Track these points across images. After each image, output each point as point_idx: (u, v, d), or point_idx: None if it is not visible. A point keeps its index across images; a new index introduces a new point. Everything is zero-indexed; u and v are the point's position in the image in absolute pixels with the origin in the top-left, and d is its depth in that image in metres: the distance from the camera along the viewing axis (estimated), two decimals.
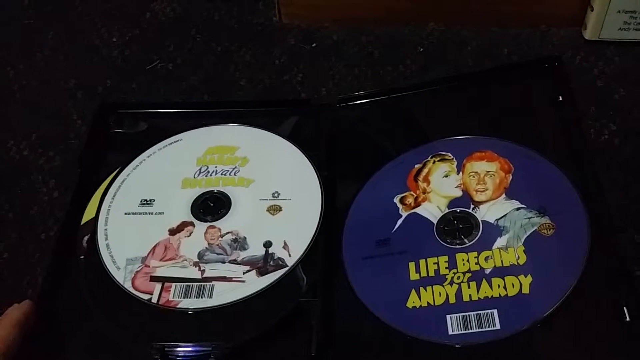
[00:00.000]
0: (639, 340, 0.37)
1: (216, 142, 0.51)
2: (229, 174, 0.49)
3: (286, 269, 0.44)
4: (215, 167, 0.50)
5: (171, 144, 0.51)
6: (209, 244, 0.46)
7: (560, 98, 0.48)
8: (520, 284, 0.40)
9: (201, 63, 0.60)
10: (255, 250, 0.45)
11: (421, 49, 0.58)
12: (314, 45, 0.60)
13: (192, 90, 0.58)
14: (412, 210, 0.46)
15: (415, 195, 0.47)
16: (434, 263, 0.43)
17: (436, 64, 0.57)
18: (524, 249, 0.42)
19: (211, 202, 0.48)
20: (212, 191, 0.48)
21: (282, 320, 0.42)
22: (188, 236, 0.46)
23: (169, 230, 0.46)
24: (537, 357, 0.38)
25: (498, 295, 0.40)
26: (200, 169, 0.50)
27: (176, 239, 0.46)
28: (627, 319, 0.37)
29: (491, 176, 0.46)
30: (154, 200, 0.48)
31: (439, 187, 0.47)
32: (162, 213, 0.47)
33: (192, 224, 0.47)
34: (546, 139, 0.47)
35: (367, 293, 0.43)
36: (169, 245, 0.46)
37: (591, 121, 0.51)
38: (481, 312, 0.40)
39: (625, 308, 0.38)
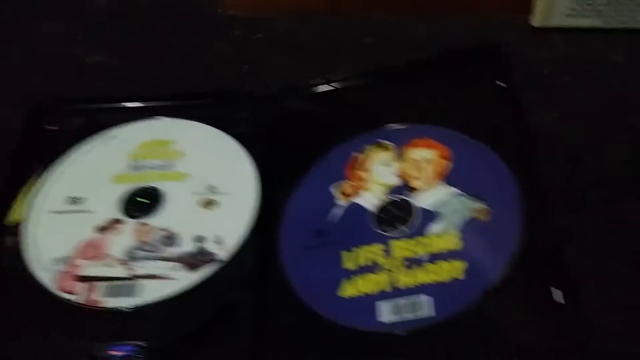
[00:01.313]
0: (572, 323, 0.36)
1: (151, 136, 0.50)
2: (163, 169, 0.48)
3: (218, 264, 0.42)
4: (149, 162, 0.48)
5: (103, 139, 0.50)
6: (138, 241, 0.44)
7: (501, 84, 0.48)
8: (455, 270, 0.39)
9: (141, 56, 0.58)
10: (187, 246, 0.43)
11: (367, 40, 0.57)
12: (259, 36, 0.59)
13: (130, 84, 0.56)
14: (350, 200, 0.45)
15: (353, 185, 0.46)
16: (370, 252, 0.42)
17: (381, 55, 0.56)
18: (459, 234, 0.41)
19: (143, 198, 0.46)
20: (144, 187, 0.47)
21: (214, 316, 0.40)
22: (117, 234, 0.45)
23: (98, 228, 0.45)
24: (471, 342, 0.37)
25: (432, 282, 0.39)
26: (132, 165, 0.48)
27: (105, 237, 0.44)
28: (561, 302, 0.37)
29: (429, 163, 0.45)
30: (83, 197, 0.46)
31: (377, 175, 0.46)
32: (91, 211, 0.46)
33: (122, 221, 0.45)
34: (486, 125, 0.46)
35: (303, 285, 0.42)
36: (97, 244, 0.44)
37: (536, 108, 0.50)
38: (415, 298, 0.39)
39: (558, 291, 0.37)
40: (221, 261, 0.42)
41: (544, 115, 0.50)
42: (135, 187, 0.47)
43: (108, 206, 0.46)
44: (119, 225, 0.45)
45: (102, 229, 0.45)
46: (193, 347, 0.40)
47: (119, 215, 0.45)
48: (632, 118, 0.48)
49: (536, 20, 0.55)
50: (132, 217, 0.45)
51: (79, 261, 0.43)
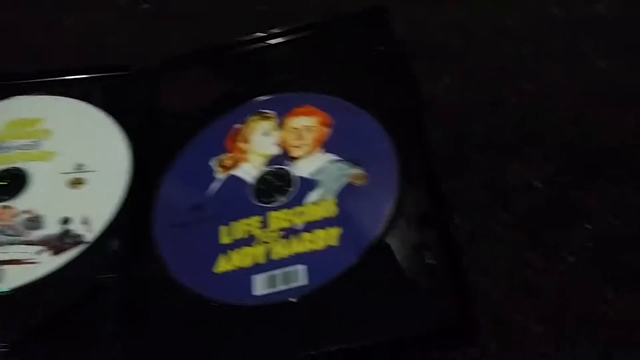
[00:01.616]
0: (447, 288, 0.36)
1: (17, 115, 0.47)
2: (29, 149, 0.45)
3: (84, 245, 0.40)
4: (14, 142, 0.45)
5: None
6: (0, 225, 0.41)
7: (382, 48, 0.47)
8: (330, 237, 0.38)
9: (19, 30, 0.55)
10: (52, 228, 0.41)
11: (260, 7, 0.55)
12: (145, 6, 0.56)
13: (3, 59, 0.53)
14: (229, 172, 0.43)
15: (233, 156, 0.44)
16: (247, 224, 0.40)
17: (277, 22, 0.54)
18: (335, 201, 0.40)
19: (5, 180, 0.43)
20: (6, 168, 0.44)
21: (79, 300, 0.38)
22: None
23: None
24: (343, 309, 0.36)
25: (307, 250, 0.38)
26: None
27: None
28: (432, 262, 0.36)
29: (309, 131, 0.44)
30: None
31: (257, 146, 0.44)
32: None
33: None
34: (367, 91, 0.45)
35: (176, 262, 0.40)
36: None
37: (427, 75, 0.49)
38: (288, 269, 0.38)
39: (429, 253, 0.36)
40: (87, 243, 0.40)
41: (435, 82, 0.49)
42: None
43: None
44: None
45: None
46: (58, 331, 0.38)
47: None
48: (523, 82, 0.48)
49: None
50: None
51: None
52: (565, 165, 0.43)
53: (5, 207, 0.42)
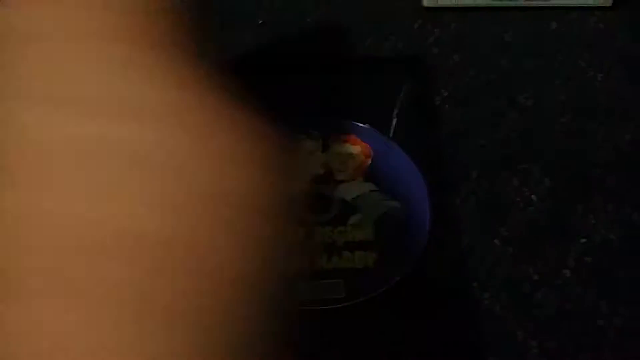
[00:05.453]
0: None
1: None
2: None
3: None
4: None
5: None
6: None
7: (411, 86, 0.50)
8: (367, 259, 0.44)
9: None
10: None
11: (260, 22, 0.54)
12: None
13: None
14: None
15: None
16: None
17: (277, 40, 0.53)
18: (373, 228, 0.45)
19: None
20: None
21: None
22: None
23: None
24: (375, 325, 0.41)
25: (345, 267, 0.43)
26: None
27: None
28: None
29: (353, 158, 0.49)
30: None
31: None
32: None
33: None
34: (400, 126, 0.49)
35: None
36: None
37: (424, 88, 0.50)
38: (329, 281, 0.43)
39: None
40: None
41: (433, 95, 0.50)
42: None
43: None
44: None
45: None
46: None
47: None
48: (521, 97, 0.49)
49: (426, 0, 0.53)
50: None
51: None
52: (562, 181, 0.44)
53: None
